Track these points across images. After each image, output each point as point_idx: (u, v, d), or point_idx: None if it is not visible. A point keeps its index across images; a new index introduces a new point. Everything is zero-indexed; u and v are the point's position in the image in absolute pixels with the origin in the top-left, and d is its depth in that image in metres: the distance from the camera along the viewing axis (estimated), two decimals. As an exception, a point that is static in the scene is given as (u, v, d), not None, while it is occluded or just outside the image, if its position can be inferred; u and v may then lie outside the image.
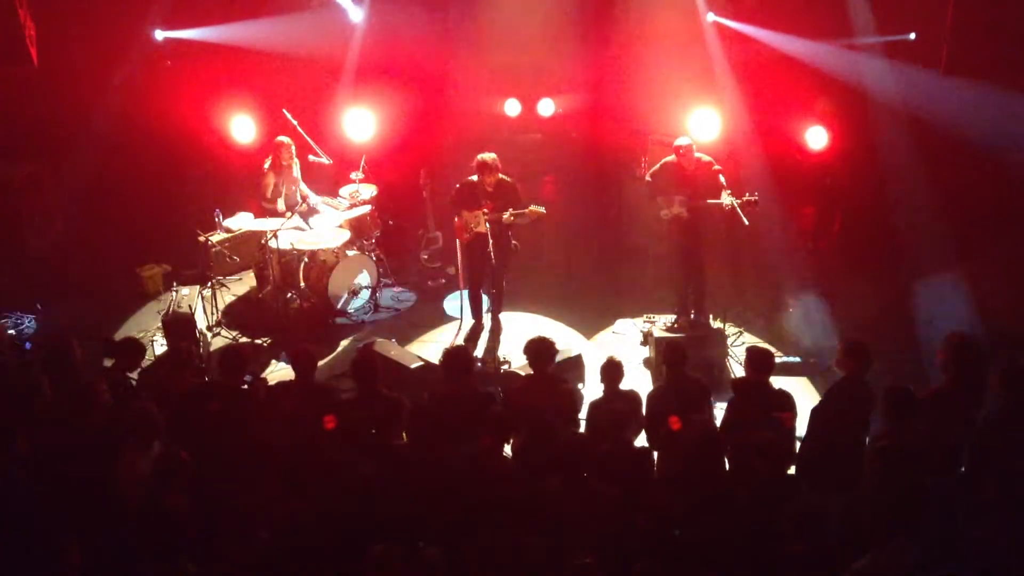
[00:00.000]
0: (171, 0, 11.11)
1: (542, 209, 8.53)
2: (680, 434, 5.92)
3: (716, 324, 9.02)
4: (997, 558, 4.72)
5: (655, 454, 5.88)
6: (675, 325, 8.96)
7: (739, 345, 8.91)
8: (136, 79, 11.36)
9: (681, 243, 8.91)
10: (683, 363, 6.45)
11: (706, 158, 8.69)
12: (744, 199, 8.31)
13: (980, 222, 9.93)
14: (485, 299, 9.27)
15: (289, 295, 9.43)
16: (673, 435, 6.06)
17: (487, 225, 8.49)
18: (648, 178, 8.92)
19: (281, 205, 9.68)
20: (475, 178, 8.61)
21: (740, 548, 4.76)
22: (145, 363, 8.36)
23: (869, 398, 5.86)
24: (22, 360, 8.00)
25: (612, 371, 6.42)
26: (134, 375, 6.90)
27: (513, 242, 8.90)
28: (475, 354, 8.58)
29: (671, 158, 8.77)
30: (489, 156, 8.56)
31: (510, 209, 8.50)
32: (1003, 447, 5.50)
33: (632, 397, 6.46)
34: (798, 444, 6.23)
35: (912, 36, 10.35)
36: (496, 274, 8.86)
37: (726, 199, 8.30)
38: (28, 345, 8.51)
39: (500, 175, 8.59)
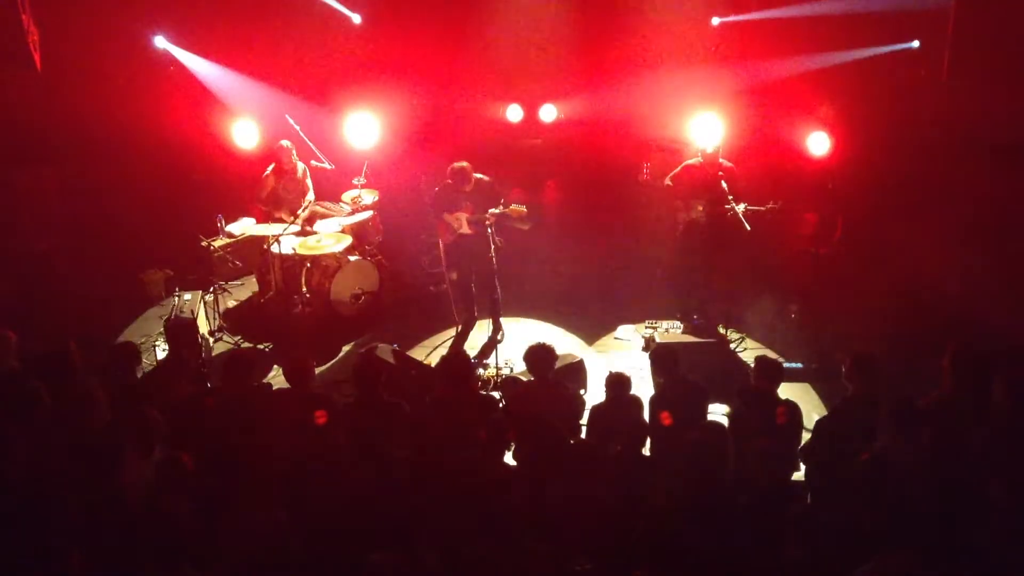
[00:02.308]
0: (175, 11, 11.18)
1: (523, 208, 8.55)
2: (678, 435, 5.91)
3: (719, 330, 9.02)
4: (1001, 565, 4.71)
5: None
6: (679, 331, 8.97)
7: (741, 351, 8.91)
8: (139, 84, 11.40)
9: (695, 248, 8.91)
10: (675, 366, 6.47)
11: (728, 163, 8.71)
12: (768, 206, 8.37)
13: (985, 226, 9.96)
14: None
15: (291, 300, 9.43)
16: (668, 431, 6.08)
17: (469, 227, 8.55)
18: (669, 181, 8.92)
19: (285, 200, 9.72)
20: (451, 182, 8.70)
21: (740, 554, 4.75)
22: (147, 368, 8.46)
23: (877, 410, 5.83)
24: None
25: (619, 384, 6.39)
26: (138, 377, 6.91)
27: (497, 238, 8.91)
28: (476, 359, 8.59)
29: (693, 161, 8.79)
30: (460, 165, 8.63)
31: (490, 210, 8.53)
32: (1007, 454, 5.48)
33: (635, 403, 6.47)
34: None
35: (916, 44, 10.36)
36: (488, 277, 8.85)
37: (740, 206, 8.32)
38: None
39: (476, 175, 8.65)
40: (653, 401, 6.51)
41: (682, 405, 6.30)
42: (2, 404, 5.97)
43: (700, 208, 8.68)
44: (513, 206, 8.52)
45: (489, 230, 8.48)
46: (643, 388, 8.01)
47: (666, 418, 6.17)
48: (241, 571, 4.71)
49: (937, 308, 9.20)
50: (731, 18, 11.26)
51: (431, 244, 10.58)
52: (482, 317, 9.31)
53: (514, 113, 12.49)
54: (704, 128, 9.66)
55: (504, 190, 8.94)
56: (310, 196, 10.02)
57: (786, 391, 6.44)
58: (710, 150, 8.70)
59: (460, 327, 9.27)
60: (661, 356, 6.58)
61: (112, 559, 4.81)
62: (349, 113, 10.88)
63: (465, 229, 8.62)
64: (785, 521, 5.02)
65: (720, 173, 8.61)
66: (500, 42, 12.24)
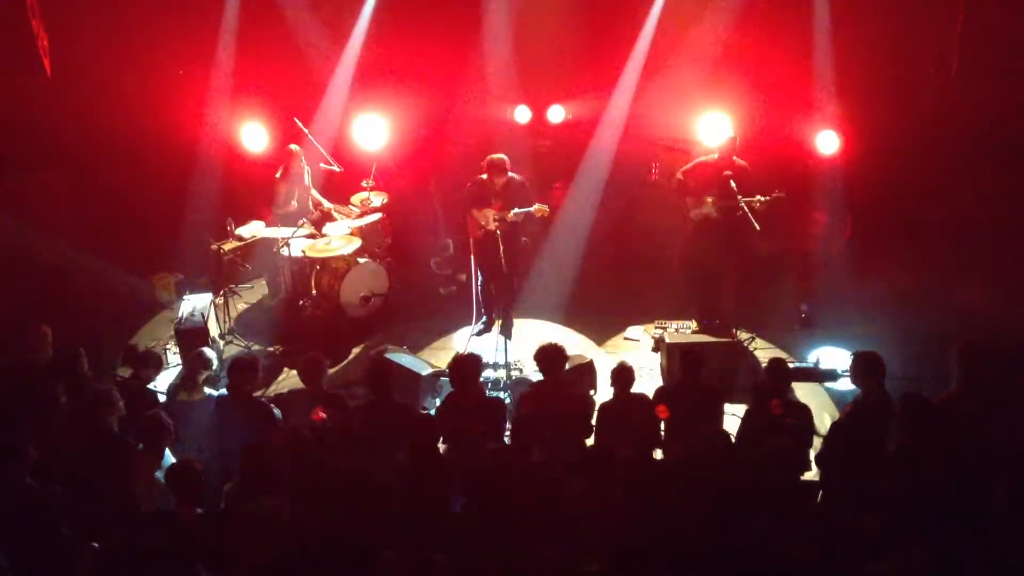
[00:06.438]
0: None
1: (546, 208, 8.60)
2: (688, 439, 5.92)
3: (732, 329, 8.98)
4: (1013, 564, 4.69)
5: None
6: (691, 331, 8.95)
7: (752, 351, 8.88)
8: (148, 88, 11.42)
9: (706, 246, 8.87)
10: (699, 369, 6.47)
11: (740, 161, 8.68)
12: (774, 195, 8.33)
13: (994, 227, 9.91)
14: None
15: (301, 303, 9.45)
16: (677, 435, 6.09)
17: (496, 223, 8.56)
18: (679, 175, 8.90)
19: (294, 204, 9.75)
20: (485, 176, 8.71)
21: (752, 555, 4.74)
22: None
23: (889, 409, 5.81)
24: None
25: (623, 376, 6.42)
26: (154, 385, 6.97)
27: (523, 239, 8.91)
28: (486, 360, 8.58)
29: (707, 158, 8.78)
30: (498, 156, 8.69)
31: (515, 208, 8.57)
32: (1017, 452, 5.46)
33: (643, 400, 6.47)
34: (813, 453, 6.23)
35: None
36: (507, 277, 8.88)
37: (743, 201, 8.29)
38: None
39: (510, 174, 8.67)
40: (661, 393, 6.54)
41: (694, 407, 6.31)
42: (22, 402, 6.03)
43: (711, 204, 8.65)
44: (537, 205, 8.57)
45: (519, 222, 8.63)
46: (651, 388, 8.06)
47: (662, 411, 6.20)
48: (254, 572, 4.73)
49: (947, 307, 9.17)
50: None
51: (440, 246, 10.58)
52: (497, 317, 9.32)
53: (522, 114, 12.49)
54: (713, 127, 9.64)
55: (534, 193, 8.93)
56: (327, 204, 10.06)
57: (796, 391, 6.43)
58: (725, 148, 8.67)
59: (478, 327, 9.28)
60: (687, 358, 6.59)
61: (124, 561, 4.83)
62: (357, 115, 10.90)
63: (492, 226, 8.63)
64: (796, 521, 5.01)
65: (727, 172, 8.54)
66: (508, 43, 12.22)
